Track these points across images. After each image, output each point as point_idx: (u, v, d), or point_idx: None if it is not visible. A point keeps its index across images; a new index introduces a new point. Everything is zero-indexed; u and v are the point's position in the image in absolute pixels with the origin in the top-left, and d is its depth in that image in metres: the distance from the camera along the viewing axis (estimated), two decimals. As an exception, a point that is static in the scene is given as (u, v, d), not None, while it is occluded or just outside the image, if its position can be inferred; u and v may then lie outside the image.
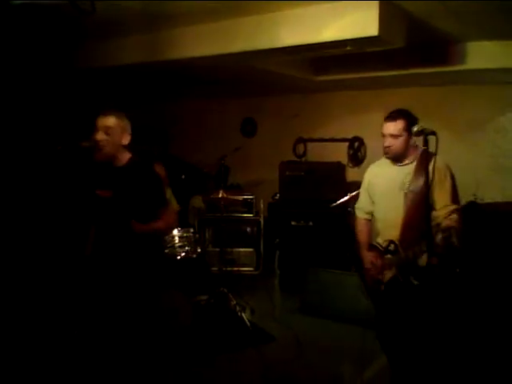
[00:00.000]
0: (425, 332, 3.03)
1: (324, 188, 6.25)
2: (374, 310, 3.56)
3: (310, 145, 7.47)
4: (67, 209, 3.64)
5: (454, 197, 3.20)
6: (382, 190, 3.44)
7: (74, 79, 6.65)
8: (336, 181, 6.29)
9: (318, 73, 6.45)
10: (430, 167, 3.04)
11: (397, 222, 3.23)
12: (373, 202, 3.56)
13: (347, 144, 7.29)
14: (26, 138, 5.92)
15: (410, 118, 3.27)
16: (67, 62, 5.82)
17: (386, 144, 3.31)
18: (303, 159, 7.45)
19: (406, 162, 3.32)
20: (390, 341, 3.42)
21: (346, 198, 5.51)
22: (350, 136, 7.26)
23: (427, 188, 2.93)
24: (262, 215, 6.92)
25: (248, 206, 6.84)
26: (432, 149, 2.94)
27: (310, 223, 6.24)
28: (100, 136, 3.17)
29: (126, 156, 3.30)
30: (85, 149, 3.16)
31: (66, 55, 5.77)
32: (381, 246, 3.32)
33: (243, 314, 4.97)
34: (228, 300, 5.11)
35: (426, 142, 2.89)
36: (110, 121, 3.19)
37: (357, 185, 6.07)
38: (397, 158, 3.34)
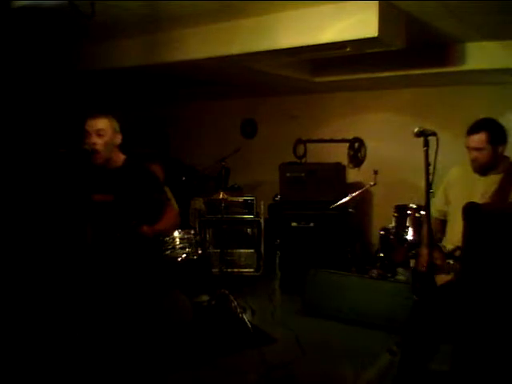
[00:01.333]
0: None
1: (324, 189, 6.26)
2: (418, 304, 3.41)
3: (310, 146, 7.48)
4: (67, 212, 3.65)
5: None
6: (461, 195, 3.28)
7: (74, 81, 6.66)
8: (336, 182, 6.31)
9: (316, 74, 6.45)
10: None
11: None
12: (447, 203, 3.47)
13: (347, 145, 7.29)
14: (28, 140, 5.92)
15: (493, 129, 3.18)
16: (68, 64, 5.83)
17: (472, 157, 3.21)
18: (303, 160, 7.45)
19: (493, 172, 3.21)
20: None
21: (346, 199, 5.52)
22: (350, 137, 7.27)
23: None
24: (262, 216, 6.93)
25: (248, 207, 6.85)
26: (433, 149, 2.94)
27: (311, 224, 6.25)
28: (94, 139, 3.18)
29: (120, 157, 3.32)
30: (86, 152, 3.18)
31: (67, 57, 5.77)
32: (444, 247, 3.28)
33: (244, 316, 4.98)
34: (229, 301, 5.11)
35: (426, 143, 2.89)
36: (101, 123, 3.22)
37: (357, 185, 6.11)
38: (484, 170, 3.23)
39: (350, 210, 6.20)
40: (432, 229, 3.42)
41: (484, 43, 5.19)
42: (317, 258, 5.93)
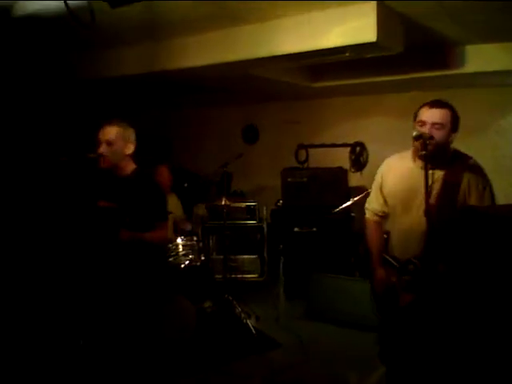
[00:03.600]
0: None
1: (326, 193, 6.26)
2: (383, 321, 3.19)
3: (311, 151, 7.48)
4: (69, 218, 3.68)
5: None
6: (403, 195, 2.95)
7: (75, 90, 6.69)
8: (338, 186, 6.31)
9: (316, 79, 6.47)
10: (465, 171, 2.74)
11: (419, 235, 2.80)
12: (386, 203, 3.11)
13: (349, 149, 7.30)
14: (30, 148, 5.95)
15: (455, 112, 2.82)
16: (69, 73, 5.86)
17: (427, 132, 2.75)
18: (305, 165, 7.46)
19: (439, 166, 2.81)
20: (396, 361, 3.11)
21: (348, 203, 5.52)
22: (351, 141, 7.27)
23: (461, 198, 2.67)
24: (265, 222, 6.93)
25: (251, 212, 6.85)
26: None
27: (314, 229, 6.25)
28: (102, 149, 3.22)
29: (130, 166, 3.34)
30: (91, 159, 3.21)
31: (68, 67, 5.81)
32: (396, 261, 2.94)
33: (248, 321, 4.98)
34: (233, 307, 5.12)
35: (425, 147, 2.72)
36: (112, 132, 3.25)
37: (359, 190, 6.11)
38: (434, 157, 2.72)
39: (353, 214, 6.19)
40: (374, 236, 3.14)
41: (483, 45, 5.20)
42: (320, 263, 5.93)
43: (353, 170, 7.18)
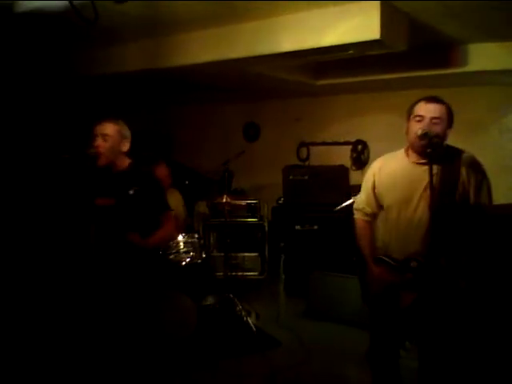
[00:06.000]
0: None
1: (328, 191, 6.24)
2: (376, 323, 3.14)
3: (313, 148, 7.47)
4: (70, 215, 3.67)
5: (491, 198, 2.82)
6: (400, 193, 2.90)
7: (77, 86, 6.67)
8: (340, 184, 6.29)
9: (319, 77, 6.46)
10: (462, 165, 2.75)
11: (420, 231, 2.79)
12: (378, 204, 3.06)
13: (350, 147, 7.29)
14: (31, 146, 5.94)
15: (450, 109, 2.82)
16: (70, 69, 5.85)
17: (425, 127, 2.73)
18: (306, 163, 7.44)
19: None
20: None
21: (349, 201, 5.49)
22: (352, 139, 7.26)
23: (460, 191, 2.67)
24: (266, 219, 6.91)
25: (252, 210, 6.83)
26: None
27: (315, 227, 6.24)
28: (99, 142, 3.21)
29: (125, 161, 3.34)
30: (90, 156, 3.20)
31: (69, 63, 5.79)
32: (394, 261, 2.91)
33: (248, 319, 4.97)
34: (233, 305, 5.10)
35: (430, 145, 2.69)
36: (108, 128, 3.25)
37: (360, 188, 6.09)
38: (435, 150, 2.67)
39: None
40: (367, 236, 3.15)
41: (486, 44, 5.19)
42: (321, 261, 5.91)
43: (354, 168, 7.17)
